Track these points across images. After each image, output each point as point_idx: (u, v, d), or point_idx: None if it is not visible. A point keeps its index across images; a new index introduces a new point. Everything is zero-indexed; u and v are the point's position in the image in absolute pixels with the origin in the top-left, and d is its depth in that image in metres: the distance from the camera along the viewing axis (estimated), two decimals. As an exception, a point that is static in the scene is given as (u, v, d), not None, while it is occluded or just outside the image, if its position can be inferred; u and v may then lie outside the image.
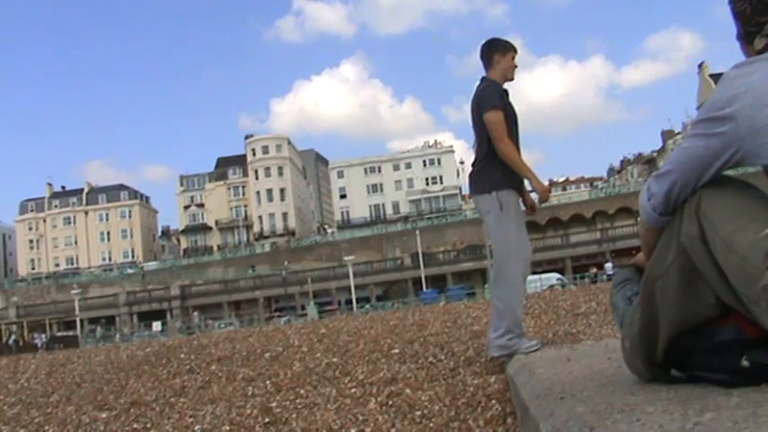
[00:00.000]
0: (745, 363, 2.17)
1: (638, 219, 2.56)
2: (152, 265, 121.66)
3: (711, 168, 2.22)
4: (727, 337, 2.25)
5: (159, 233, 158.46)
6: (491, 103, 5.95)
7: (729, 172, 2.27)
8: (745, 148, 2.11)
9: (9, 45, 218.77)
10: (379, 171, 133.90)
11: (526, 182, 6.13)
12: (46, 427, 6.51)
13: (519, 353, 5.40)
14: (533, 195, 6.34)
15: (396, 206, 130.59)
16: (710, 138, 2.18)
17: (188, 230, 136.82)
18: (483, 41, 6.40)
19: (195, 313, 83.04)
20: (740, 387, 2.15)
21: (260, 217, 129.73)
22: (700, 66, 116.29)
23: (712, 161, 2.21)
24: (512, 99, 6.19)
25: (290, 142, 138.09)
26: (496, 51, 6.25)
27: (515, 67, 6.32)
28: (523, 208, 6.19)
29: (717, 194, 2.23)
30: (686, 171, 2.27)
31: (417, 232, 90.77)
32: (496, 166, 5.95)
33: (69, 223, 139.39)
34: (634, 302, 2.62)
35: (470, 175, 6.26)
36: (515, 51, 6.33)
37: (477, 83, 6.27)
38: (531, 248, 6.34)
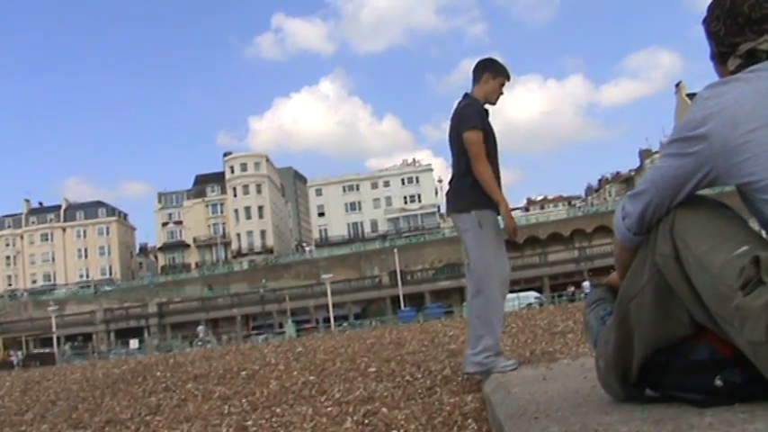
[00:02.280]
0: (718, 382, 2.17)
1: (613, 238, 2.56)
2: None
3: (685, 188, 2.23)
4: (700, 356, 2.25)
5: (137, 250, 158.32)
6: (471, 122, 5.90)
7: (705, 191, 2.28)
8: (719, 167, 2.12)
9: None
10: (358, 189, 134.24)
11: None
12: (19, 446, 6.47)
13: (495, 371, 5.39)
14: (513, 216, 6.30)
15: (374, 224, 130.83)
16: (684, 157, 2.19)
17: (166, 248, 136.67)
18: (483, 58, 6.39)
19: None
20: (713, 407, 2.15)
21: (238, 234, 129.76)
22: (677, 85, 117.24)
23: (686, 181, 2.21)
24: (491, 118, 6.17)
25: (268, 160, 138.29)
26: (489, 71, 6.21)
27: (501, 94, 6.28)
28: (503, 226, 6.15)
29: (691, 214, 2.24)
30: (660, 190, 2.27)
31: (395, 250, 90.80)
32: (475, 185, 5.90)
33: (47, 240, 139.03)
34: (608, 322, 2.63)
35: (448, 194, 6.23)
36: (507, 79, 6.29)
37: (459, 99, 6.23)
38: (510, 267, 6.31)
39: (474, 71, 6.28)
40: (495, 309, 5.90)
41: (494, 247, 5.96)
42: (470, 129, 5.86)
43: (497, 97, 6.25)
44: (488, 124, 6.09)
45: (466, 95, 6.20)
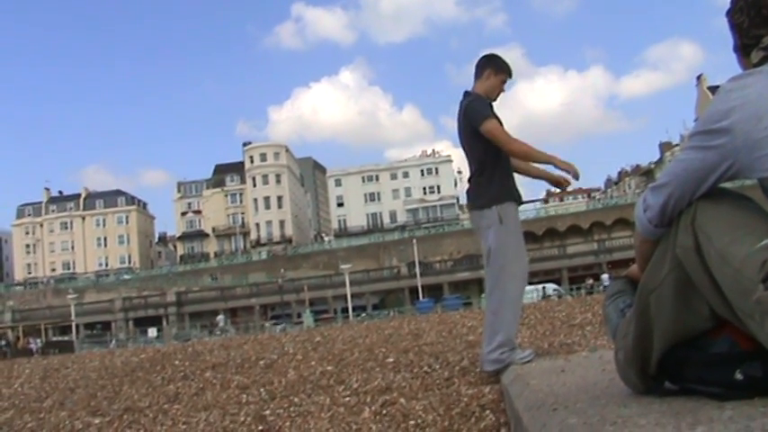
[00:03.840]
0: (738, 376, 2.16)
1: (634, 230, 2.55)
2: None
3: (707, 181, 2.22)
4: (720, 349, 2.24)
5: (156, 239, 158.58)
6: (483, 113, 5.82)
7: (727, 184, 2.27)
8: (741, 160, 2.11)
9: (8, 50, 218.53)
10: (377, 180, 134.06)
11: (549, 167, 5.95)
12: (38, 433, 6.50)
13: (513, 364, 5.37)
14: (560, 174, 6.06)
15: (393, 215, 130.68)
16: (707, 150, 2.18)
17: (185, 237, 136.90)
18: (485, 53, 6.32)
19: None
20: (733, 400, 2.14)
21: (257, 224, 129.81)
22: (698, 78, 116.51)
23: (708, 174, 2.20)
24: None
25: (287, 150, 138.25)
26: (491, 67, 6.14)
27: (502, 91, 6.22)
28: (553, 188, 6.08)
29: (712, 207, 2.23)
30: (682, 183, 2.26)
31: (414, 241, 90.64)
32: (494, 180, 5.89)
33: (66, 228, 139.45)
34: (627, 314, 2.62)
35: (468, 191, 6.20)
36: (509, 76, 6.22)
37: (461, 98, 6.16)
38: (528, 261, 6.27)
39: (476, 67, 6.22)
40: (513, 305, 5.86)
41: (514, 243, 5.95)
42: (485, 120, 5.77)
43: (498, 94, 6.19)
44: (498, 118, 5.99)
45: (467, 93, 6.14)
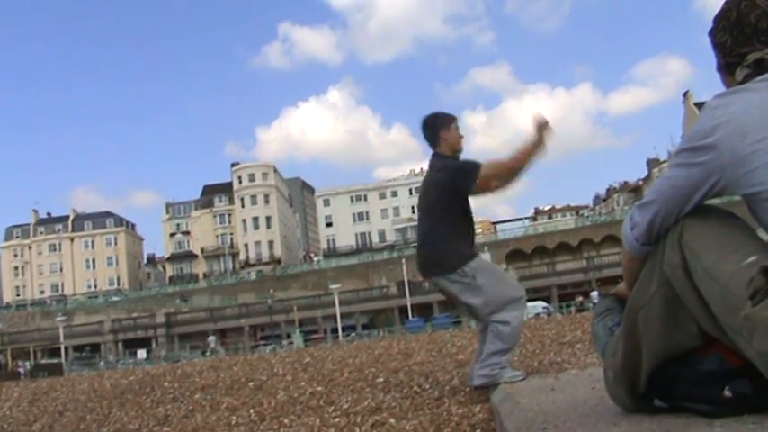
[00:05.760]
0: (727, 393, 2.17)
1: (622, 248, 2.56)
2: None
3: (694, 198, 2.23)
4: (709, 367, 2.25)
5: (145, 261, 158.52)
6: (469, 168, 5.71)
7: (713, 201, 2.28)
8: (727, 177, 2.12)
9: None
10: (366, 199, 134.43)
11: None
12: (27, 457, 6.48)
13: (502, 382, 5.37)
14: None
15: (382, 234, 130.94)
16: (692, 167, 2.19)
17: (174, 258, 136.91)
18: (423, 118, 6.16)
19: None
20: (723, 417, 2.14)
21: (246, 245, 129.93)
22: (684, 94, 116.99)
23: (694, 191, 2.21)
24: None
25: (276, 170, 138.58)
26: (440, 128, 6.00)
27: (461, 137, 6.08)
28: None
29: (699, 224, 2.24)
30: (669, 200, 2.27)
31: (403, 260, 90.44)
32: (448, 238, 5.80)
33: (55, 250, 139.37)
34: (616, 332, 2.62)
35: (423, 258, 6.08)
36: (456, 120, 6.10)
37: (431, 160, 6.07)
38: (522, 288, 6.11)
39: (427, 137, 6.06)
40: (513, 327, 5.76)
41: (495, 282, 5.82)
42: (475, 172, 5.63)
43: (461, 142, 6.06)
44: None
45: (436, 154, 6.01)
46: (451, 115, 6.11)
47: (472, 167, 5.67)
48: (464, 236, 5.86)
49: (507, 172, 5.79)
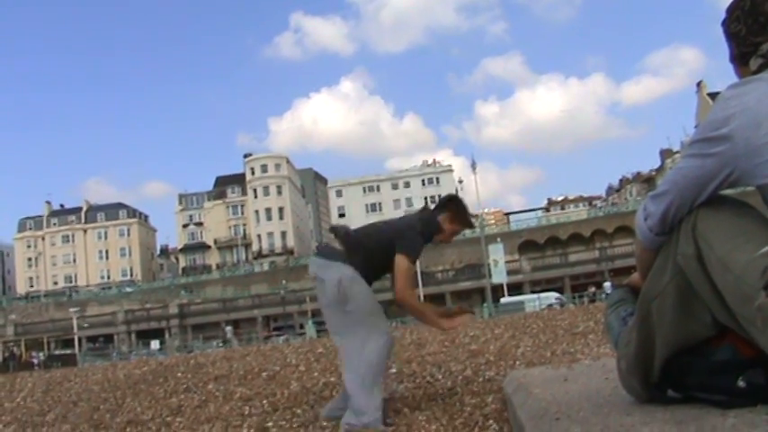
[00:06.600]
0: (741, 383, 2.16)
1: (635, 238, 2.55)
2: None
3: (707, 188, 2.22)
4: (723, 357, 2.24)
5: (158, 252, 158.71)
6: (415, 250, 5.34)
7: (727, 191, 2.27)
8: (741, 167, 2.11)
9: (7, 61, 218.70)
10: (378, 190, 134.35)
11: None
12: (41, 447, 6.50)
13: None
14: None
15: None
16: (706, 158, 2.17)
17: (186, 249, 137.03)
18: (458, 196, 5.86)
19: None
20: (736, 408, 2.13)
21: (258, 236, 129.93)
22: (698, 84, 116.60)
23: (708, 181, 2.20)
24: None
25: (288, 161, 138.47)
26: (457, 217, 5.62)
27: (452, 237, 5.67)
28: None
29: (713, 214, 2.23)
30: (682, 191, 2.26)
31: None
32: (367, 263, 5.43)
33: (68, 241, 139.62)
34: (629, 323, 2.61)
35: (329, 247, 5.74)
36: (465, 228, 5.77)
37: (420, 212, 5.75)
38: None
39: (443, 202, 5.70)
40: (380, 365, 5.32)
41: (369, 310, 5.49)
42: (410, 255, 5.30)
43: (446, 238, 5.65)
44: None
45: (436, 218, 5.59)
46: (469, 220, 5.75)
47: (411, 250, 5.32)
48: (372, 276, 5.51)
49: (410, 312, 5.69)
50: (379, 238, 5.48)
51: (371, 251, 5.39)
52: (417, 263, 5.59)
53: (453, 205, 5.64)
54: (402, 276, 5.25)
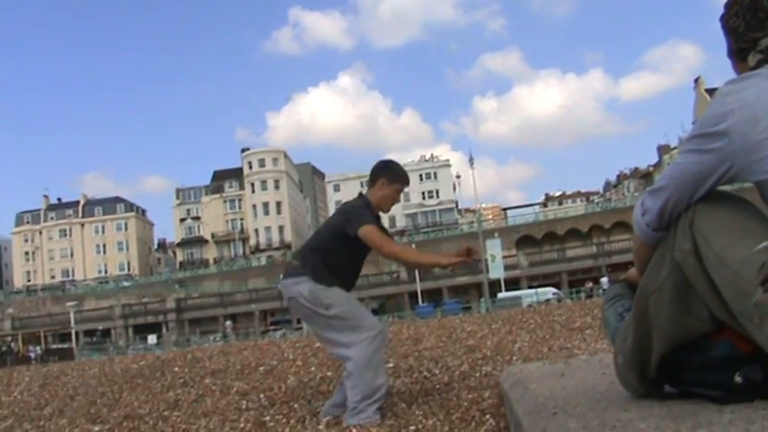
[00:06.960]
0: (738, 379, 2.16)
1: (633, 234, 2.55)
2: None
3: (705, 184, 2.21)
4: (720, 352, 2.24)
5: (155, 246, 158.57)
6: (362, 220, 5.38)
7: (725, 187, 2.27)
8: (739, 163, 2.10)
9: (5, 56, 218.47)
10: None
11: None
12: (38, 441, 6.49)
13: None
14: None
15: (392, 220, 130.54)
16: (704, 154, 2.17)
17: (184, 243, 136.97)
18: (381, 160, 5.99)
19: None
20: (733, 403, 2.14)
21: (256, 230, 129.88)
22: (696, 80, 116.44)
23: (706, 177, 2.20)
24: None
25: (286, 155, 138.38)
26: (385, 176, 5.73)
27: (397, 200, 5.84)
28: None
29: (711, 210, 2.22)
30: (680, 187, 2.26)
31: (413, 246, 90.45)
32: (330, 269, 5.45)
33: (65, 235, 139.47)
34: (626, 318, 2.62)
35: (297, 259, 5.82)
36: (405, 184, 5.84)
37: (353, 200, 5.82)
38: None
39: (371, 173, 5.81)
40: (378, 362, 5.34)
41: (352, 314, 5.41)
42: (363, 225, 5.33)
43: (392, 204, 5.80)
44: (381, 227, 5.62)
45: (361, 195, 5.79)
46: (405, 177, 5.86)
47: (358, 222, 5.36)
48: (339, 274, 5.49)
49: (403, 261, 5.83)
50: (327, 233, 5.66)
51: (326, 248, 5.53)
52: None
53: (384, 170, 5.79)
54: (375, 240, 5.35)
